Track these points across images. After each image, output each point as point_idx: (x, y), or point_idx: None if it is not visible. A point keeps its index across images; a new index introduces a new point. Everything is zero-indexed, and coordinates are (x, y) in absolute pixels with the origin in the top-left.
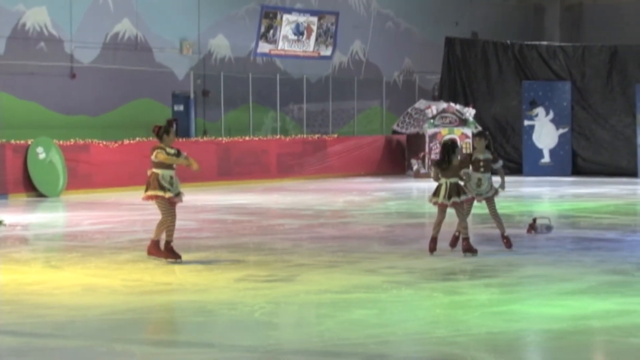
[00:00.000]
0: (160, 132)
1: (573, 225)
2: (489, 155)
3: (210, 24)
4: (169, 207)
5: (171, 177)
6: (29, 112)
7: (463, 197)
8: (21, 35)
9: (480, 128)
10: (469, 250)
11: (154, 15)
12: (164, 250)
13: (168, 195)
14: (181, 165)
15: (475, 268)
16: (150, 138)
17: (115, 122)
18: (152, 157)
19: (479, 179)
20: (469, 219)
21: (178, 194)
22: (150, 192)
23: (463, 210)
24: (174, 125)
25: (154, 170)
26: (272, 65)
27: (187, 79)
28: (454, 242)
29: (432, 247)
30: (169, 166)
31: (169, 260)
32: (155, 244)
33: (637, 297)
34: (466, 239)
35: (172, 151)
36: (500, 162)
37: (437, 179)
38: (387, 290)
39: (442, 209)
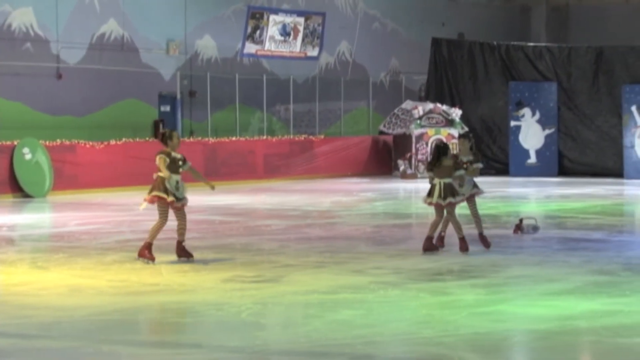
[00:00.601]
0: (164, 139)
1: (559, 226)
2: (471, 157)
3: (197, 25)
4: (167, 210)
5: (177, 182)
6: (15, 113)
7: (458, 198)
8: (7, 35)
9: (466, 129)
10: (466, 249)
11: (141, 15)
12: (177, 249)
13: (170, 199)
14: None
15: (462, 268)
16: (137, 139)
17: (102, 123)
18: (156, 162)
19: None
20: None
21: (182, 199)
22: (154, 193)
23: (454, 211)
24: (161, 127)
25: (160, 174)
26: (259, 66)
27: (174, 79)
28: (439, 242)
29: (427, 246)
30: (174, 170)
31: (182, 258)
32: (147, 246)
33: (623, 297)
34: (462, 238)
35: (179, 156)
36: (480, 165)
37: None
38: (374, 290)
39: (439, 209)
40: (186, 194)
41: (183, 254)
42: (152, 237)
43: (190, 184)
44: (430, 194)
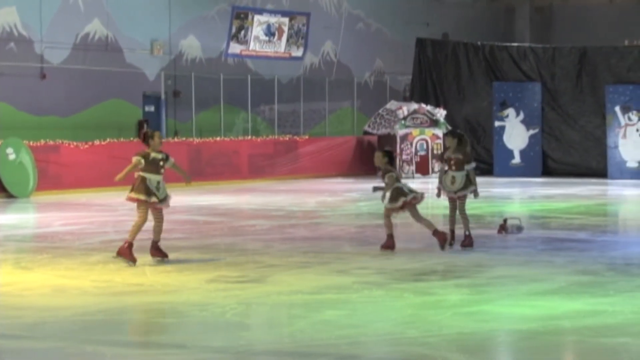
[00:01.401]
0: (146, 139)
1: (543, 226)
2: (459, 155)
3: (181, 25)
4: (147, 210)
5: (158, 182)
6: None
7: (410, 196)
8: None
9: (450, 128)
10: (445, 240)
11: (125, 15)
12: (151, 248)
13: (152, 200)
14: (168, 169)
15: (446, 268)
16: (121, 139)
17: (86, 123)
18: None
19: (453, 177)
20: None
21: (164, 199)
22: (133, 195)
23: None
24: (145, 127)
25: (141, 173)
26: (243, 66)
27: (158, 79)
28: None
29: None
30: (156, 171)
31: (156, 258)
32: (129, 246)
33: (607, 297)
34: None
35: (159, 156)
36: (473, 164)
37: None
38: (359, 290)
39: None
40: (168, 193)
41: (157, 253)
42: (132, 237)
43: (172, 184)
44: (399, 196)
